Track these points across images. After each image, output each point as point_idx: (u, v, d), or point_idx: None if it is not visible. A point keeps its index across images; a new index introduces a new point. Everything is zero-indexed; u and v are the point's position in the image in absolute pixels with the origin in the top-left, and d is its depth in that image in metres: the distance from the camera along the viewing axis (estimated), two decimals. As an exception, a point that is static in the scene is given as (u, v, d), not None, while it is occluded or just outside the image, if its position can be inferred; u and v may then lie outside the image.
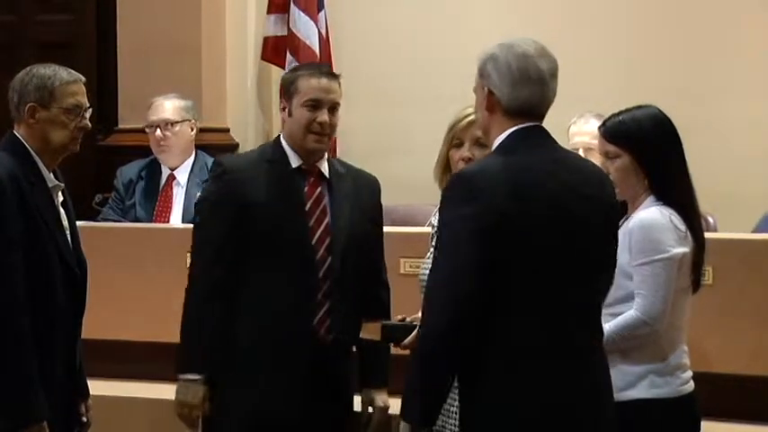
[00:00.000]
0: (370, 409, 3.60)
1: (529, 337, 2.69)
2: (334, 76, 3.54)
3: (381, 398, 3.59)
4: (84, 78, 3.38)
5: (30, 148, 3.28)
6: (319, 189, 3.51)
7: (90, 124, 3.38)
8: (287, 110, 3.50)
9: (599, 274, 2.83)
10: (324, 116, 3.46)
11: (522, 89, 2.76)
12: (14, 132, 3.31)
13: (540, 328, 2.69)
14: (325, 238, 3.46)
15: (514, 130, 2.77)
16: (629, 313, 3.14)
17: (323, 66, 3.64)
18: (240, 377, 3.44)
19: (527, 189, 2.69)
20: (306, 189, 3.49)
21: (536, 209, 2.69)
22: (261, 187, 3.44)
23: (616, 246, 2.90)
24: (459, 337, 2.66)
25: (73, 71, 3.35)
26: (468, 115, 3.27)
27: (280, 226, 3.43)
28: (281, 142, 3.54)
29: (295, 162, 3.50)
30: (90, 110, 3.36)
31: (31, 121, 3.28)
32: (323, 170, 3.53)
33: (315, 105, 3.46)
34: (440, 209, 2.83)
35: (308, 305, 3.43)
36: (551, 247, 2.70)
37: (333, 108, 3.49)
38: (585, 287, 2.77)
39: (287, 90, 3.51)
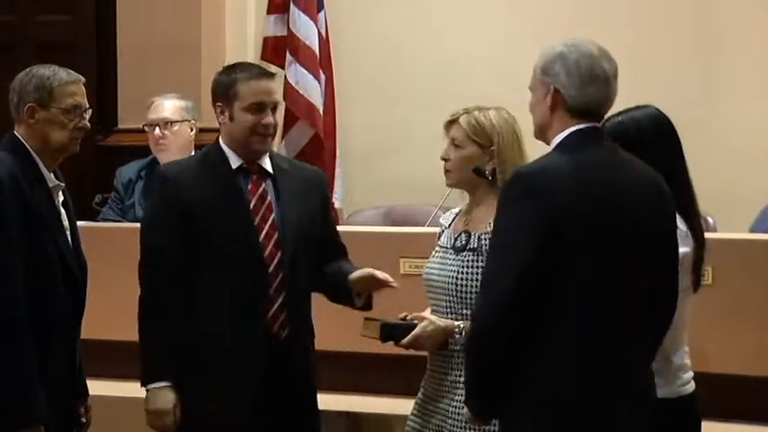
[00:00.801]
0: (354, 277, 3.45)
1: (575, 335, 2.69)
2: (272, 75, 3.57)
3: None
4: (83, 79, 3.38)
5: (30, 149, 3.28)
6: (263, 186, 3.52)
7: (89, 125, 3.38)
8: (227, 114, 3.50)
9: (657, 276, 2.81)
10: (269, 118, 3.48)
11: (588, 88, 2.79)
12: (15, 133, 3.31)
13: (588, 326, 2.69)
14: (273, 234, 3.47)
15: (574, 130, 2.79)
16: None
17: (256, 66, 3.62)
18: (198, 379, 3.42)
19: (585, 187, 2.71)
20: (249, 187, 3.50)
21: (592, 207, 2.70)
22: (204, 190, 3.46)
23: (675, 243, 2.89)
24: (508, 334, 2.67)
25: (72, 71, 3.35)
26: (451, 116, 3.31)
27: (226, 226, 3.44)
28: (220, 145, 3.55)
29: (235, 162, 3.51)
30: (89, 110, 3.36)
31: (31, 121, 3.28)
32: (265, 167, 3.54)
33: (258, 109, 3.47)
34: (497, 206, 2.82)
35: (260, 302, 3.43)
36: (605, 246, 2.71)
37: (274, 108, 3.52)
38: (636, 287, 2.77)
39: (224, 94, 3.50)
